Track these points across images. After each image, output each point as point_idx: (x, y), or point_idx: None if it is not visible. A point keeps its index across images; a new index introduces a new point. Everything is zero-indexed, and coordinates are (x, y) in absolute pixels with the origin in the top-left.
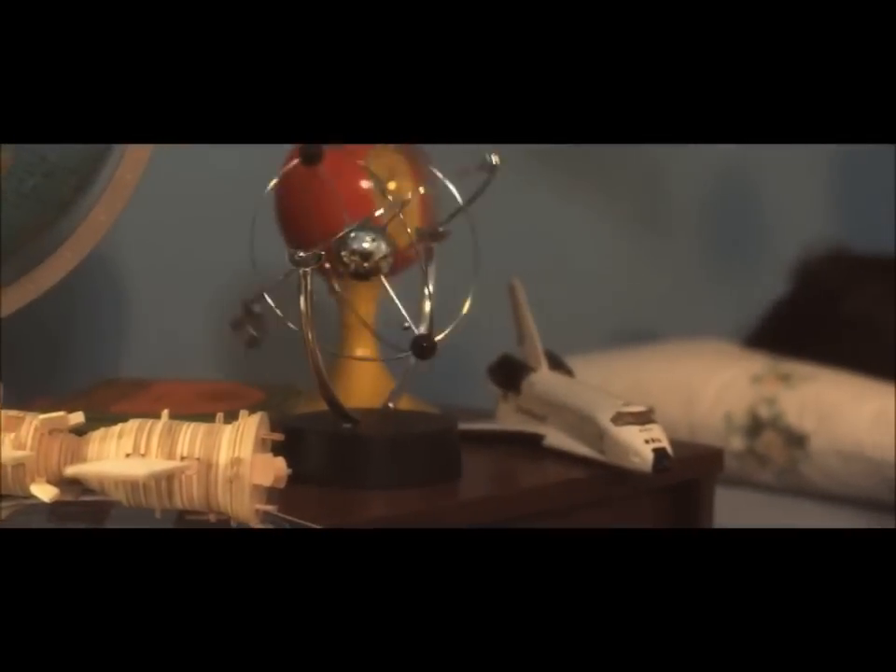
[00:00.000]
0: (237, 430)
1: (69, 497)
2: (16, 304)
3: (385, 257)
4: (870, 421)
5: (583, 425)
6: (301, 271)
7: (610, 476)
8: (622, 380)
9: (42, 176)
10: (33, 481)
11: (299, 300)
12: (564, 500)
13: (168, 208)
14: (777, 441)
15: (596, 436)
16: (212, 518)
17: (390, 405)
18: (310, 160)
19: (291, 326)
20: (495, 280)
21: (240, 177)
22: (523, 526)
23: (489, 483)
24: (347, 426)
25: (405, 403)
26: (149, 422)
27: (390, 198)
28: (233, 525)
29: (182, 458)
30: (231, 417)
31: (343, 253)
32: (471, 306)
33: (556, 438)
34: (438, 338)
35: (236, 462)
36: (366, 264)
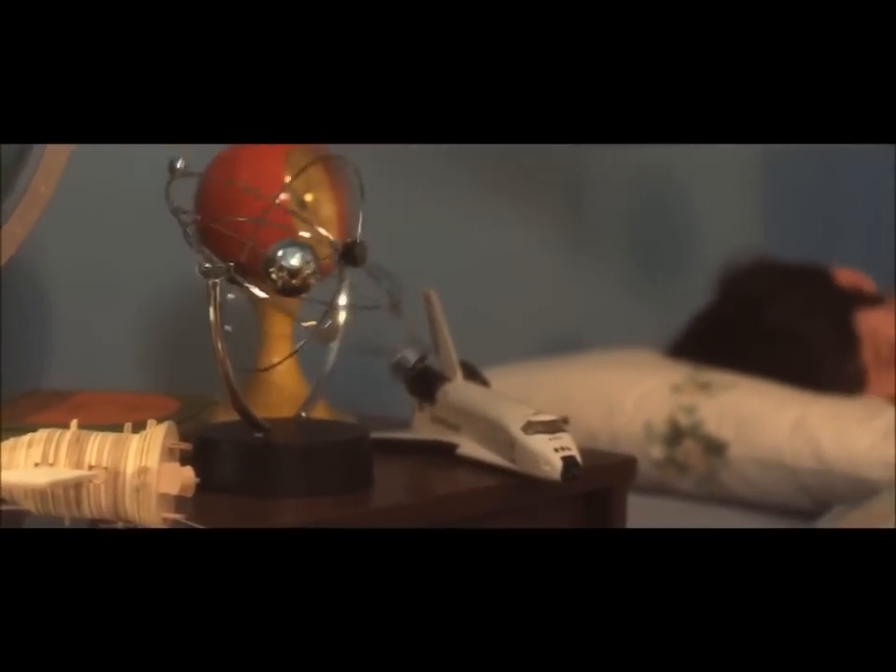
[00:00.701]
0: (144, 440)
1: None
2: None
3: (312, 273)
4: (788, 429)
5: (495, 434)
6: (209, 282)
7: (521, 484)
8: (544, 390)
9: None
10: None
11: (208, 310)
12: (475, 508)
13: (91, 219)
14: (696, 450)
15: (508, 445)
16: (120, 526)
17: (303, 414)
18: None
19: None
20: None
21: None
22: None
23: (401, 492)
24: (259, 435)
25: (322, 413)
26: (58, 432)
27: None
28: None
29: (90, 467)
30: (141, 427)
31: (270, 269)
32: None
33: (469, 447)
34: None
35: (143, 471)
36: (294, 281)
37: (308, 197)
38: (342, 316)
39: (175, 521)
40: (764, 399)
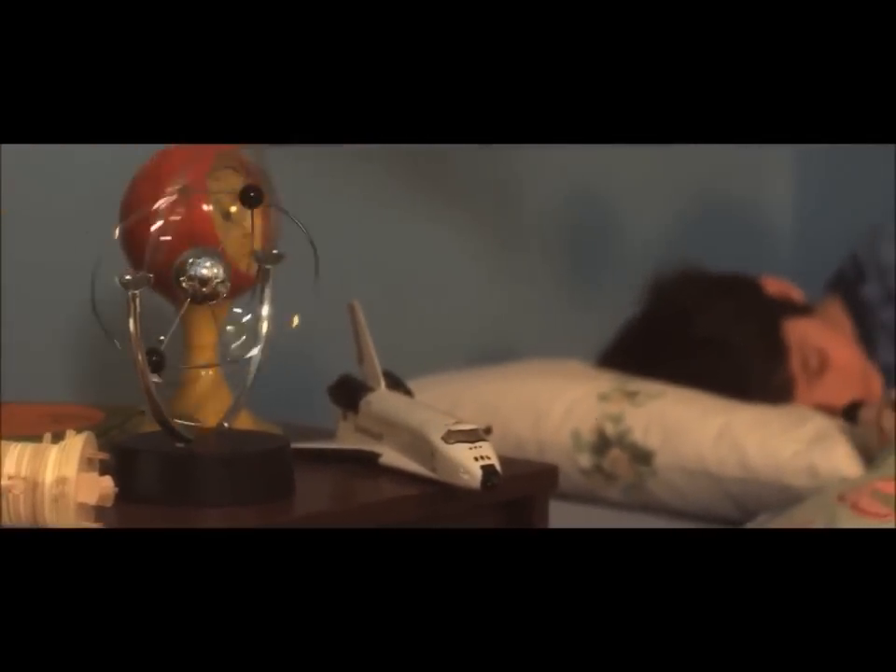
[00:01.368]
0: (63, 450)
1: None
2: None
3: (222, 281)
4: (713, 438)
5: (416, 443)
6: (129, 293)
7: (442, 493)
8: (472, 399)
9: None
10: None
11: (127, 322)
12: (397, 517)
13: (15, 226)
14: (623, 458)
15: (429, 454)
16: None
17: (225, 424)
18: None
19: (117, 344)
20: (343, 299)
21: (90, 194)
22: None
23: (324, 500)
24: (180, 445)
25: (246, 423)
26: None
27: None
28: None
29: (9, 477)
30: (61, 438)
31: (181, 279)
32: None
33: (391, 456)
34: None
35: (61, 481)
36: (204, 289)
37: (233, 209)
38: (264, 326)
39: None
40: (691, 408)
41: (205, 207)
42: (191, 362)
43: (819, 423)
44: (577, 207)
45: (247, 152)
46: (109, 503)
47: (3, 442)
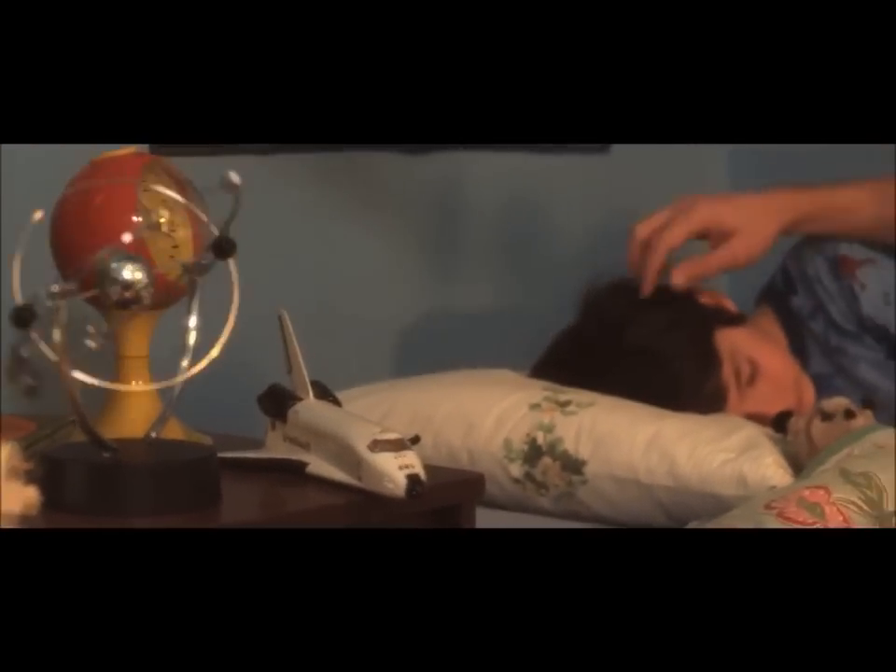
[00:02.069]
0: None
1: None
2: None
3: (146, 286)
4: (643, 446)
5: (343, 452)
6: (54, 303)
7: (368, 502)
8: (404, 409)
9: None
10: None
11: (52, 332)
12: (323, 525)
13: None
14: (554, 467)
15: (355, 463)
16: None
17: (153, 434)
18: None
19: (51, 356)
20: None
21: (28, 200)
22: None
23: (251, 509)
24: (106, 455)
25: (175, 432)
26: None
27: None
28: None
29: None
30: None
31: (104, 282)
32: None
33: (318, 465)
34: (195, 370)
35: None
36: (127, 294)
37: (162, 219)
38: (192, 337)
39: None
40: (621, 417)
41: (134, 218)
42: (123, 373)
43: (750, 432)
44: (511, 215)
45: (174, 162)
46: (34, 512)
47: None
